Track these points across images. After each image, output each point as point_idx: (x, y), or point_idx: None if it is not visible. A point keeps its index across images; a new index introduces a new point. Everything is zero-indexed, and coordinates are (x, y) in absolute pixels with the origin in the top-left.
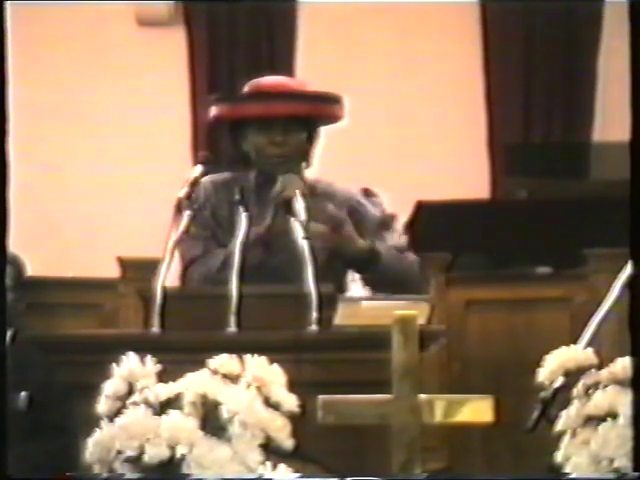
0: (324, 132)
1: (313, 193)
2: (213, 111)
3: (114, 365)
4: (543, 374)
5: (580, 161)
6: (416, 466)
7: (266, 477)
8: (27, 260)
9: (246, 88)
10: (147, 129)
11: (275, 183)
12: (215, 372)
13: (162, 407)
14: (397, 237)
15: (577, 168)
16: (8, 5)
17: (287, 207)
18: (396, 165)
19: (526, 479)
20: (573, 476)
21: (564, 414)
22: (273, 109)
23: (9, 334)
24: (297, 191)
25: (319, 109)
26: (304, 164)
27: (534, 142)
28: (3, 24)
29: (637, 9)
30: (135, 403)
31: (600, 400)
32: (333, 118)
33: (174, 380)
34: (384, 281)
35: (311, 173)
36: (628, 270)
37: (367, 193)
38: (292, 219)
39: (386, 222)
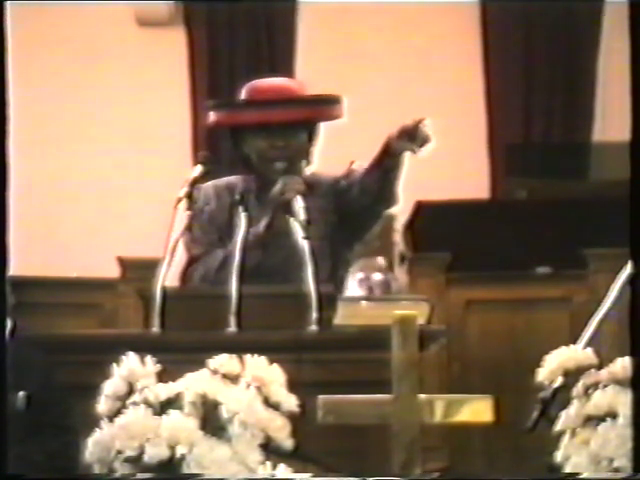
0: (324, 132)
1: (312, 192)
2: (211, 117)
3: (114, 365)
4: (543, 374)
5: (580, 161)
6: (416, 466)
7: (276, 477)
8: (27, 260)
9: (243, 92)
10: (147, 129)
11: (275, 185)
12: (215, 372)
13: (162, 407)
14: None
15: (577, 168)
16: (8, 5)
17: (287, 207)
18: None
19: (526, 479)
20: (583, 476)
21: (564, 414)
22: (272, 116)
23: (8, 328)
24: (298, 193)
25: (318, 112)
26: (304, 163)
27: (534, 142)
28: (3, 24)
29: (637, 9)
30: (135, 403)
31: (600, 400)
32: (333, 118)
33: (174, 380)
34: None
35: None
36: (628, 270)
37: (351, 168)
38: (292, 219)
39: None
